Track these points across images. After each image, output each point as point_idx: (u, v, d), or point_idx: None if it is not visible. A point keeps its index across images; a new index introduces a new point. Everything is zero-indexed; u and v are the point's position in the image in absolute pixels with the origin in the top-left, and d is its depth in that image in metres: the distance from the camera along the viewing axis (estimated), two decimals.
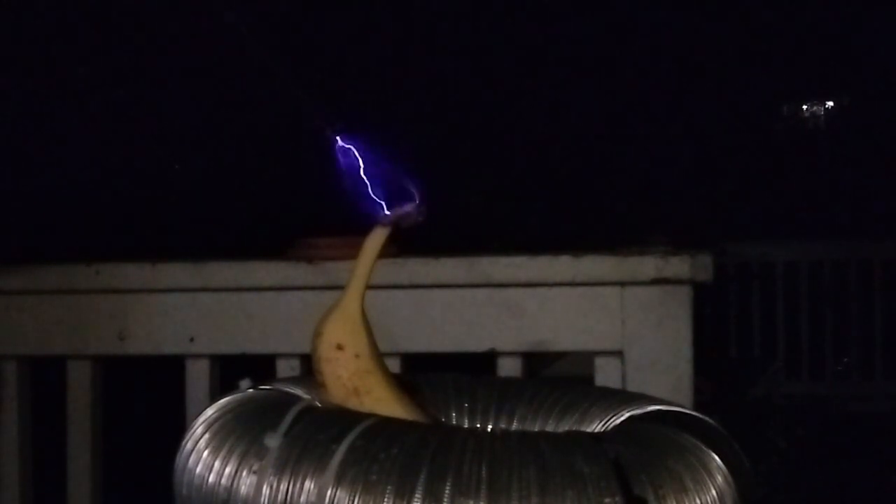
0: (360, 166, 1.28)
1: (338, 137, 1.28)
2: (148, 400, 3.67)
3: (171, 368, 2.31)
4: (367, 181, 1.27)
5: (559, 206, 6.18)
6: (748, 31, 8.16)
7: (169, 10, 5.74)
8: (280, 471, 1.14)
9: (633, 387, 2.09)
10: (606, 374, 2.16)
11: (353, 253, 1.32)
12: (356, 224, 1.32)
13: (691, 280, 2.14)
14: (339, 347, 1.28)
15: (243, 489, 1.16)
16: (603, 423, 1.35)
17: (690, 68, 7.62)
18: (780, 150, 8.69)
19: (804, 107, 9.47)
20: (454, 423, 1.42)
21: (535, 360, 2.42)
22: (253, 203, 5.68)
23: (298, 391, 1.32)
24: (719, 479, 1.19)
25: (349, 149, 1.28)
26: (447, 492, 1.08)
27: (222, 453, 1.19)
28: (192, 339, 2.25)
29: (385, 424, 1.17)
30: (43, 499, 2.42)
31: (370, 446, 1.12)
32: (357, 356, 1.29)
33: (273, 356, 2.24)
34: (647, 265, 2.13)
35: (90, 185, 5.54)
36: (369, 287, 1.31)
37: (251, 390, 1.32)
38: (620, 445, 1.16)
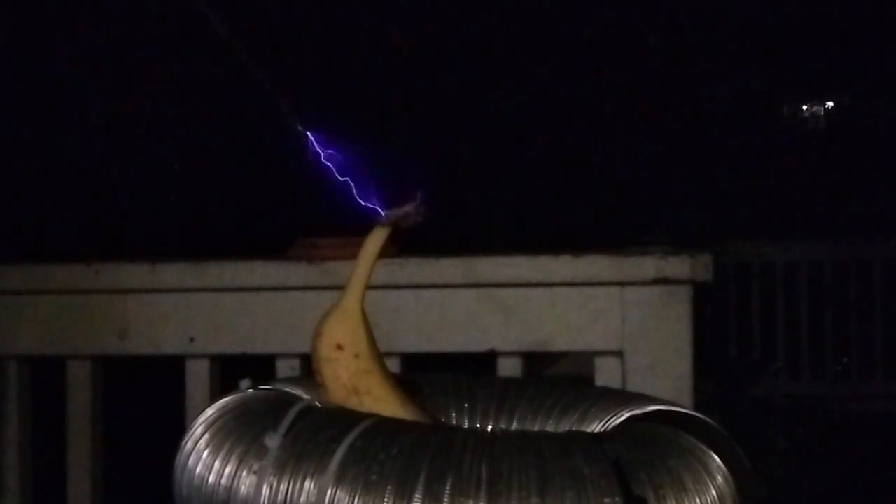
0: (340, 168, 1.28)
1: (312, 139, 1.28)
2: (148, 400, 3.66)
3: (171, 368, 2.31)
4: (349, 182, 1.27)
5: (559, 206, 6.17)
6: (748, 31, 8.16)
7: (167, 10, 5.74)
8: (280, 471, 1.14)
9: (633, 387, 2.09)
10: (606, 374, 2.16)
11: (353, 253, 1.32)
12: (356, 224, 1.32)
13: (691, 280, 2.14)
14: (339, 347, 1.29)
15: (243, 489, 1.16)
16: (603, 423, 1.35)
17: (691, 68, 7.62)
18: (780, 150, 8.68)
19: (804, 107, 9.46)
20: (454, 423, 1.42)
21: (535, 360, 2.42)
22: (253, 203, 5.68)
23: (298, 391, 1.32)
24: (719, 479, 1.19)
25: (328, 152, 1.28)
26: (447, 492, 1.08)
27: (222, 453, 1.19)
28: (192, 339, 2.25)
29: (385, 424, 1.17)
30: (43, 499, 2.42)
31: (370, 446, 1.12)
32: (357, 356, 1.29)
33: (273, 356, 2.24)
34: (647, 265, 2.13)
35: (90, 186, 5.54)
36: (369, 287, 1.31)
37: (251, 390, 1.32)
38: (620, 445, 1.16)
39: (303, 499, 1.12)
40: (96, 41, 5.73)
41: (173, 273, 2.25)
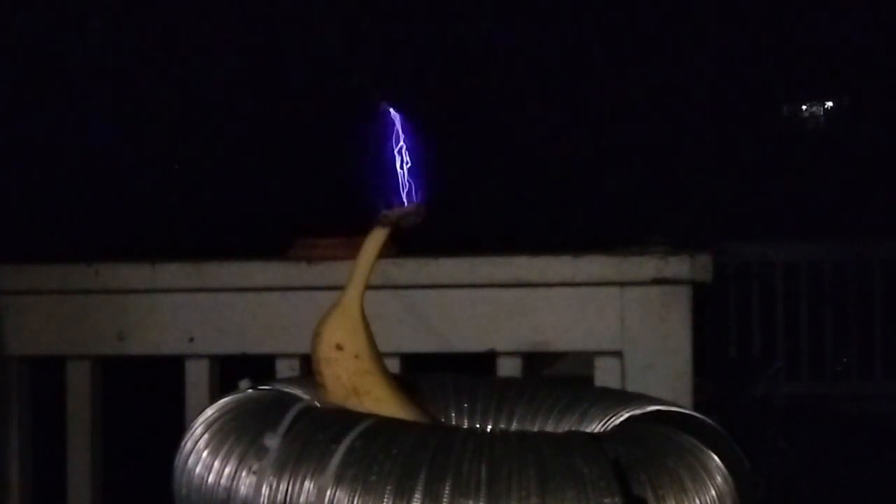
0: (396, 140, 1.28)
1: (388, 108, 1.28)
2: (148, 400, 3.67)
3: (171, 368, 2.31)
4: (402, 154, 1.27)
5: (559, 206, 6.18)
6: (748, 31, 8.16)
7: (167, 12, 5.75)
8: (279, 471, 1.14)
9: (633, 387, 2.09)
10: (606, 374, 2.16)
11: (353, 253, 1.32)
12: (356, 224, 1.32)
13: (691, 280, 2.14)
14: (339, 347, 1.28)
15: (243, 489, 1.16)
16: (603, 423, 1.35)
17: (690, 68, 7.63)
18: (780, 150, 8.68)
19: (804, 107, 9.46)
20: (454, 423, 1.42)
21: (535, 360, 2.42)
22: (253, 203, 5.68)
23: (298, 391, 1.32)
24: (719, 479, 1.19)
25: (393, 122, 1.28)
26: (447, 492, 1.08)
27: (222, 453, 1.19)
28: (191, 339, 2.24)
29: (385, 424, 1.17)
30: (43, 499, 2.42)
31: (370, 446, 1.12)
32: (357, 356, 1.29)
33: (273, 356, 2.24)
34: (647, 265, 2.13)
35: (90, 185, 5.55)
36: (369, 287, 1.31)
37: (251, 390, 1.32)
38: (620, 445, 1.16)
39: (302, 499, 1.12)
40: (101, 40, 5.73)
41: (173, 273, 2.25)
